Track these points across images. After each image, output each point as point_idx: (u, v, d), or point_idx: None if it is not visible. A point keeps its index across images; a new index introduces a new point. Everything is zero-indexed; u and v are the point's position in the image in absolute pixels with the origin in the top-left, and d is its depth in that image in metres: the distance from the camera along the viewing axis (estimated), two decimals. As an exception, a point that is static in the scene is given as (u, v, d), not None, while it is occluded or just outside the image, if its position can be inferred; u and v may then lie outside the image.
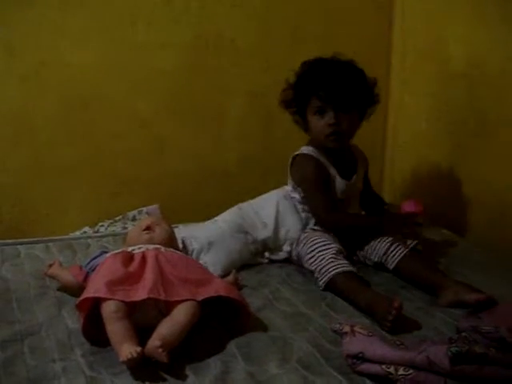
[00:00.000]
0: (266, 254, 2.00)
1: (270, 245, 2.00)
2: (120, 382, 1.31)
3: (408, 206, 2.08)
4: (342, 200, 2.01)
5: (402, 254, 1.85)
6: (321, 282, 1.78)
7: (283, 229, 1.99)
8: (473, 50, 2.24)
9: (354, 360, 1.35)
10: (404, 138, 2.68)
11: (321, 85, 1.91)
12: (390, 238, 1.91)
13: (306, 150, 1.99)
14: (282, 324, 1.57)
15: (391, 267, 1.87)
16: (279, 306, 1.68)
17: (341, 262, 1.78)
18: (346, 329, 1.43)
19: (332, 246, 1.84)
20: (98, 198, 2.44)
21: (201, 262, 1.85)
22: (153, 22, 2.39)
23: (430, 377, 1.28)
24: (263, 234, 1.99)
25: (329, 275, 1.76)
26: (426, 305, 1.70)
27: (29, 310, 1.62)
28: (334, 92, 1.89)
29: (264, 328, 1.54)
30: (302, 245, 1.90)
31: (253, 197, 2.10)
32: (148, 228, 1.73)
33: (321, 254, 1.82)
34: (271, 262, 1.99)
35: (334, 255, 1.80)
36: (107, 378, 1.32)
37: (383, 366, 1.31)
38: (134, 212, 2.41)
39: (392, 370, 1.30)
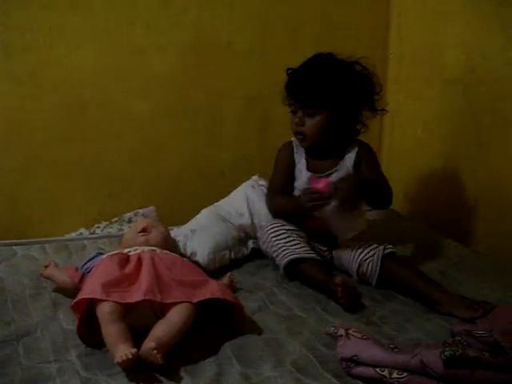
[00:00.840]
0: (250, 243, 2.05)
1: (250, 233, 2.06)
2: (115, 383, 1.31)
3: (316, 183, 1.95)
4: None
5: (377, 272, 1.81)
6: (281, 267, 1.86)
7: (256, 216, 2.07)
8: (469, 55, 2.25)
9: (349, 363, 1.36)
10: (400, 143, 2.69)
11: (291, 85, 1.92)
12: (356, 251, 1.87)
13: (293, 139, 2.02)
14: (277, 327, 1.58)
15: (374, 284, 1.83)
16: (274, 309, 1.68)
17: (297, 247, 1.85)
18: (341, 332, 1.43)
19: (291, 233, 1.90)
20: (94, 200, 2.43)
21: (188, 249, 1.90)
22: (151, 25, 2.39)
23: (423, 380, 1.29)
24: (241, 221, 2.07)
25: (286, 260, 1.84)
26: (421, 311, 1.70)
27: (24, 310, 1.62)
28: (300, 93, 1.90)
29: (259, 331, 1.55)
30: (263, 232, 1.96)
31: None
32: (144, 230, 1.74)
33: (279, 240, 1.89)
34: (254, 250, 2.04)
35: (291, 241, 1.87)
36: (102, 379, 1.32)
37: (377, 369, 1.32)
38: (130, 214, 2.41)
39: (386, 373, 1.31)
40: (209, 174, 2.56)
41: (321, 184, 1.90)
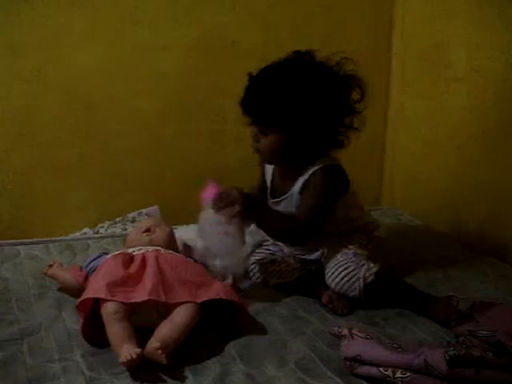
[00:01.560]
0: None
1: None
2: (119, 382, 1.31)
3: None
4: None
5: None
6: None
7: None
8: (473, 55, 2.25)
9: (352, 363, 1.36)
10: (404, 143, 2.68)
11: (242, 99, 1.72)
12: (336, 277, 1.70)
13: None
14: (281, 327, 1.58)
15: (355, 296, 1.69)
16: (278, 310, 1.68)
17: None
18: (345, 332, 1.43)
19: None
20: (98, 199, 2.44)
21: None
22: (155, 23, 2.39)
23: (427, 380, 1.29)
24: None
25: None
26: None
27: (28, 310, 1.62)
28: (249, 109, 1.70)
29: (263, 331, 1.55)
30: None
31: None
32: (148, 230, 1.74)
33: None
34: None
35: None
36: (107, 379, 1.32)
37: (381, 369, 1.32)
38: (134, 213, 2.41)
39: (389, 372, 1.31)
40: (213, 172, 2.54)
41: (207, 193, 1.70)
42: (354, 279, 1.67)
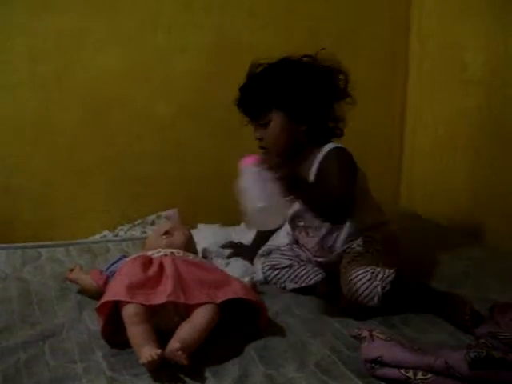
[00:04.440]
0: None
1: None
2: (140, 383, 1.32)
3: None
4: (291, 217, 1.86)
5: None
6: None
7: None
8: (490, 57, 2.24)
9: (373, 364, 1.36)
10: (421, 144, 2.68)
11: (237, 102, 1.81)
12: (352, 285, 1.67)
13: None
14: (300, 328, 1.58)
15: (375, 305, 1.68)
16: (297, 311, 1.68)
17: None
18: (365, 334, 1.43)
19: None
20: (118, 202, 2.46)
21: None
22: (173, 27, 2.41)
23: (448, 381, 1.28)
24: None
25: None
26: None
27: (50, 311, 1.64)
28: (241, 105, 1.79)
29: (282, 332, 1.55)
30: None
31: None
32: (167, 233, 1.76)
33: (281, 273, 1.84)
34: None
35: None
36: (128, 380, 1.33)
37: (402, 371, 1.32)
38: (153, 216, 2.43)
39: (410, 374, 1.31)
40: (231, 174, 2.55)
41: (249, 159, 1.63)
42: (370, 289, 1.66)
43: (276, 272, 1.85)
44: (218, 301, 1.48)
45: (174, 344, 1.34)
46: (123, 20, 2.36)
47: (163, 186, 2.50)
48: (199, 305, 1.46)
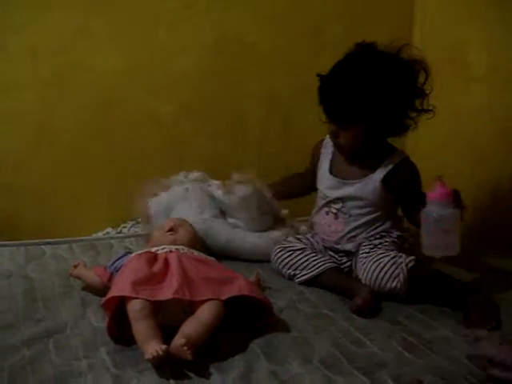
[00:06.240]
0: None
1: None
2: (145, 379, 1.32)
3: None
4: (330, 197, 1.90)
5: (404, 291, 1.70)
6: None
7: None
8: (494, 54, 2.24)
9: (488, 363, 1.34)
10: (425, 142, 2.68)
11: (320, 99, 1.81)
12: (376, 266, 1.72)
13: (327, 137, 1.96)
14: (304, 324, 1.58)
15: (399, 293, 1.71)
16: (302, 308, 1.68)
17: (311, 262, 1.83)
18: (483, 334, 1.44)
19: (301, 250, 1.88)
20: (121, 200, 2.45)
21: None
22: (174, 25, 2.41)
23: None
24: None
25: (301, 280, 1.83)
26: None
27: (54, 308, 1.64)
28: (328, 108, 1.79)
29: (286, 328, 1.55)
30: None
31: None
32: (171, 229, 1.76)
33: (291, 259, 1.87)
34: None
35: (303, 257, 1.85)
36: (132, 376, 1.33)
37: None
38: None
39: None
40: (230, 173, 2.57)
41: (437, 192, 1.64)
42: (394, 267, 1.70)
43: (288, 254, 1.87)
44: (223, 297, 1.48)
45: (179, 340, 1.34)
46: (124, 19, 2.36)
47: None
48: (204, 301, 1.46)
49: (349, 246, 1.87)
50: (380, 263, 1.72)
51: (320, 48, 2.52)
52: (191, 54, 2.45)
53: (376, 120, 1.77)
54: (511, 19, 2.16)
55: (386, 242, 1.82)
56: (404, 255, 1.74)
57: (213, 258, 1.73)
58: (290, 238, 1.95)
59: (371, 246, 1.81)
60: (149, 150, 2.48)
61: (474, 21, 2.33)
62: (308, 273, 1.82)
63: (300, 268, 1.84)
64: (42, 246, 2.08)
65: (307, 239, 1.95)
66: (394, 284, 1.69)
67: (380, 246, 1.81)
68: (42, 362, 1.38)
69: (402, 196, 1.85)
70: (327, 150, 1.95)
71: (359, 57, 1.79)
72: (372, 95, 1.73)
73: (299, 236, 1.97)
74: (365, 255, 1.79)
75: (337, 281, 1.79)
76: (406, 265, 1.71)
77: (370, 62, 1.77)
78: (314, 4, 2.55)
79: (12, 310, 1.61)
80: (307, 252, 1.87)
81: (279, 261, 1.89)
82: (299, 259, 1.85)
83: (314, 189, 1.97)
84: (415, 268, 1.71)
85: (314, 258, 1.84)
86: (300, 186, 2.08)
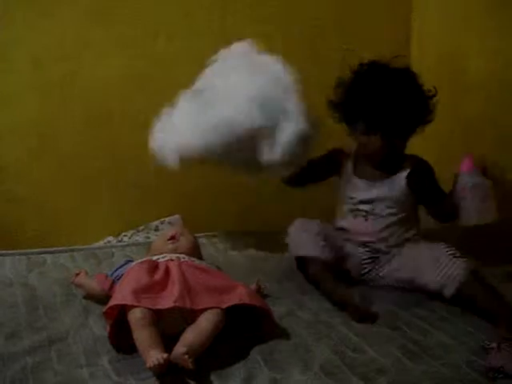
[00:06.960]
0: None
1: None
2: (146, 387, 1.33)
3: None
4: (359, 199, 1.96)
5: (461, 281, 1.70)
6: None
7: None
8: (491, 61, 2.25)
9: (496, 374, 1.37)
10: (421, 148, 2.68)
11: (367, 110, 1.84)
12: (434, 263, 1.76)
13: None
14: (305, 331, 1.59)
15: (448, 294, 1.72)
16: (302, 315, 1.69)
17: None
18: (493, 345, 1.45)
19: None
20: (121, 209, 2.47)
21: None
22: (174, 35, 2.42)
23: None
24: None
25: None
26: (447, 314, 1.71)
27: (56, 316, 1.65)
28: (380, 119, 1.83)
29: (287, 335, 1.56)
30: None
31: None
32: (173, 238, 1.77)
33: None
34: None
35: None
36: (134, 384, 1.34)
37: None
38: (157, 222, 2.43)
39: None
40: (233, 182, 2.58)
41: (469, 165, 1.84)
42: (452, 264, 1.73)
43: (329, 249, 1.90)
44: (224, 306, 1.49)
45: (180, 348, 1.35)
46: (124, 28, 2.37)
47: (165, 193, 2.50)
48: (205, 309, 1.47)
49: (380, 246, 1.94)
50: (435, 256, 1.77)
51: (317, 58, 2.53)
52: (192, 64, 2.46)
53: (399, 133, 1.88)
54: (507, 27, 2.17)
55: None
56: (459, 260, 1.74)
57: (213, 267, 1.74)
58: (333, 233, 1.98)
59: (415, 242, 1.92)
60: (149, 159, 2.47)
61: (471, 29, 2.35)
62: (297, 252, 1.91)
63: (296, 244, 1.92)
64: (43, 255, 2.09)
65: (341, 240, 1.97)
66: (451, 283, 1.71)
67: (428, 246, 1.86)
68: (43, 370, 1.39)
69: (425, 193, 1.95)
70: (349, 158, 2.01)
71: (394, 75, 1.89)
72: (411, 107, 1.85)
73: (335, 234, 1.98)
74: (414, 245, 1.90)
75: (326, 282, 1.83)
76: (466, 267, 1.71)
77: (401, 78, 1.88)
78: (310, 12, 2.56)
79: (14, 319, 1.62)
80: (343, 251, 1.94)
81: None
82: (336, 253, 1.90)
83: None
84: (475, 273, 1.71)
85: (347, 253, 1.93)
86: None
